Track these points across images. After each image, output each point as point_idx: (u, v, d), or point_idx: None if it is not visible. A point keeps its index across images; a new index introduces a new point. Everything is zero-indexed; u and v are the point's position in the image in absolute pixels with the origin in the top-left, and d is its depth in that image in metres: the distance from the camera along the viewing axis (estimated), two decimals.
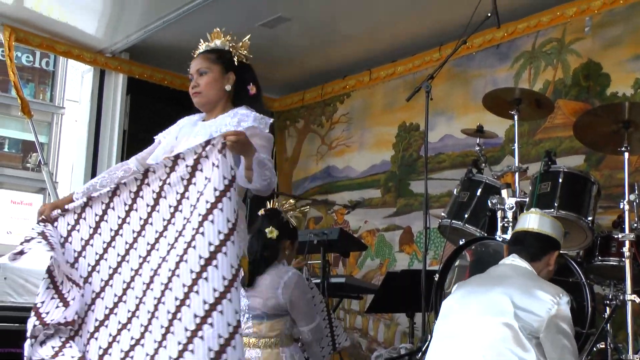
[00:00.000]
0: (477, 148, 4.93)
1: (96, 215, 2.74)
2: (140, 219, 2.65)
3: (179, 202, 2.58)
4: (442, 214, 4.83)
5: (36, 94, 21.81)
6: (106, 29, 7.15)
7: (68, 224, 2.78)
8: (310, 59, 7.62)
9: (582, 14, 5.87)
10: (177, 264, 2.45)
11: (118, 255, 2.68)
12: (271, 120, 3.00)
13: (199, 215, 2.45)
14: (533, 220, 3.53)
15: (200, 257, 2.40)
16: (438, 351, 3.17)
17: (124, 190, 2.70)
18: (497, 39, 6.30)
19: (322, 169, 8.04)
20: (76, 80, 20.94)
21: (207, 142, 2.57)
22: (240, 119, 2.93)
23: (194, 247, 2.42)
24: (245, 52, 3.15)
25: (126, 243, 2.67)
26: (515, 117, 4.54)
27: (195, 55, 3.18)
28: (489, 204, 4.48)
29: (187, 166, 2.59)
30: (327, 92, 7.97)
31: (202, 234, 2.42)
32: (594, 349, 3.89)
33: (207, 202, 2.45)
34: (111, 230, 2.71)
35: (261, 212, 4.24)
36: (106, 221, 2.73)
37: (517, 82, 6.21)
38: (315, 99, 8.14)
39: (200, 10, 6.35)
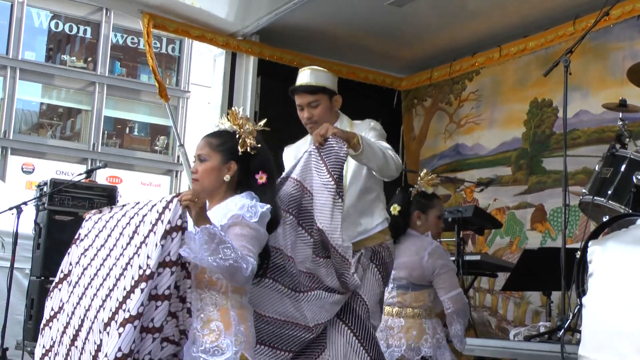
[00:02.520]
0: (620, 123, 4.79)
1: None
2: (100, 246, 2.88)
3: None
4: (583, 190, 4.73)
5: (163, 79, 22.54)
6: (237, 13, 7.32)
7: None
8: (438, 37, 7.54)
9: None
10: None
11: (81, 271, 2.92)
12: (266, 208, 2.83)
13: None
14: None
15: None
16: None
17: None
18: (638, 9, 6.06)
19: (451, 147, 7.97)
20: (200, 64, 21.59)
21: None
22: (229, 207, 2.84)
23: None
24: (252, 140, 2.98)
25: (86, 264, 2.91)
26: None
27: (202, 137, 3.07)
28: (634, 180, 4.37)
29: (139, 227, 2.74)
30: (456, 69, 7.86)
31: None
32: None
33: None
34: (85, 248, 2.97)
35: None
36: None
37: None
38: (443, 77, 8.05)
39: None
